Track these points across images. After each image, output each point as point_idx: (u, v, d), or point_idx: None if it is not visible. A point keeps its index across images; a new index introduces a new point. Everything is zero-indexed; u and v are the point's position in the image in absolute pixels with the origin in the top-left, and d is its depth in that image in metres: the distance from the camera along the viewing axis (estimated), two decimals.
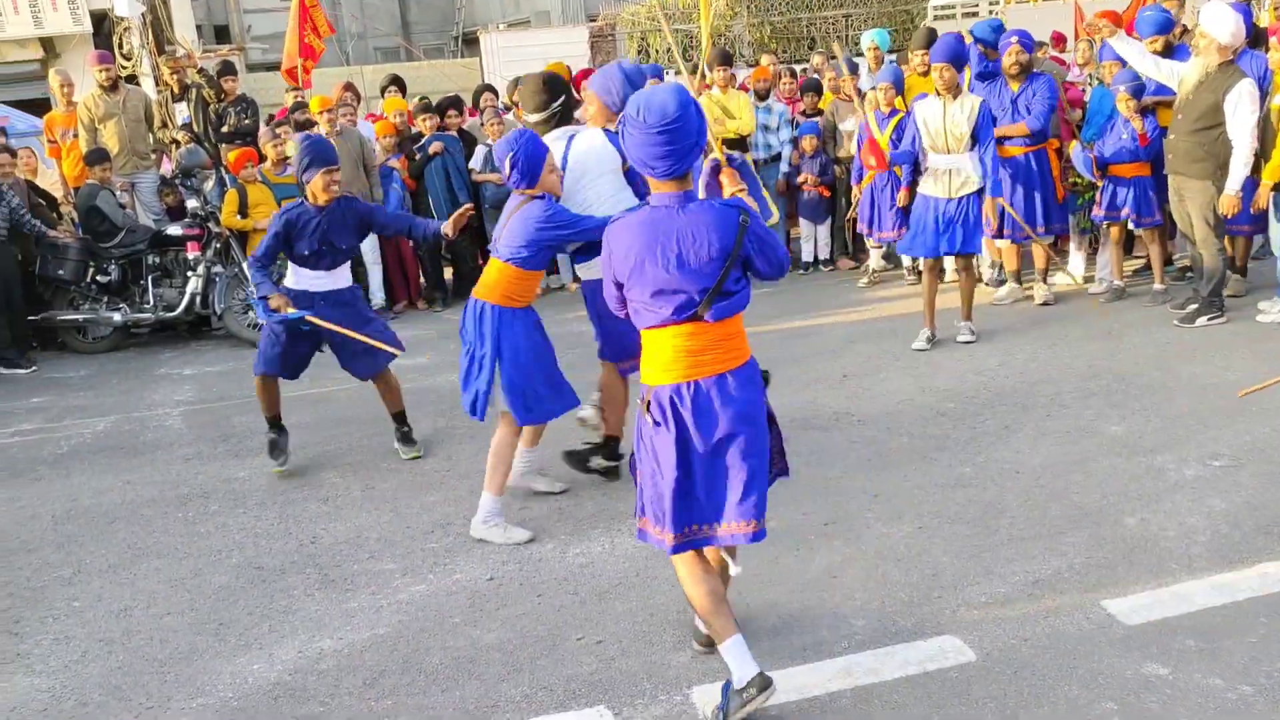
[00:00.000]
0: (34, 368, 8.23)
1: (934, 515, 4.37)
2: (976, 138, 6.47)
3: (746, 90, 9.46)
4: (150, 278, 8.60)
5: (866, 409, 5.75)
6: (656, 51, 17.14)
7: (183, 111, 9.87)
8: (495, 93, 10.20)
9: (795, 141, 9.32)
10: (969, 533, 4.19)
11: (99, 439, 6.37)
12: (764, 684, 2.98)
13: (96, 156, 8.71)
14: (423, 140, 9.18)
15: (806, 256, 9.60)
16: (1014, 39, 7.35)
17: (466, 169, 9.16)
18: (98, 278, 8.55)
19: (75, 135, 9.32)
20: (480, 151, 9.16)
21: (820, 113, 9.44)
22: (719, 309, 2.98)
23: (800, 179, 9.26)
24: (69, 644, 3.87)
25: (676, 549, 3.12)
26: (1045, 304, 7.57)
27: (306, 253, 5.15)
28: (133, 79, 9.42)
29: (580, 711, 3.22)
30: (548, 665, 3.47)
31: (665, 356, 3.04)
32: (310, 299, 5.20)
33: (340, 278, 5.31)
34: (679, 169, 2.97)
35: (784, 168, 9.36)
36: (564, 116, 4.73)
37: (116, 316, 8.53)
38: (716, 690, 3.24)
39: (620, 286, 3.09)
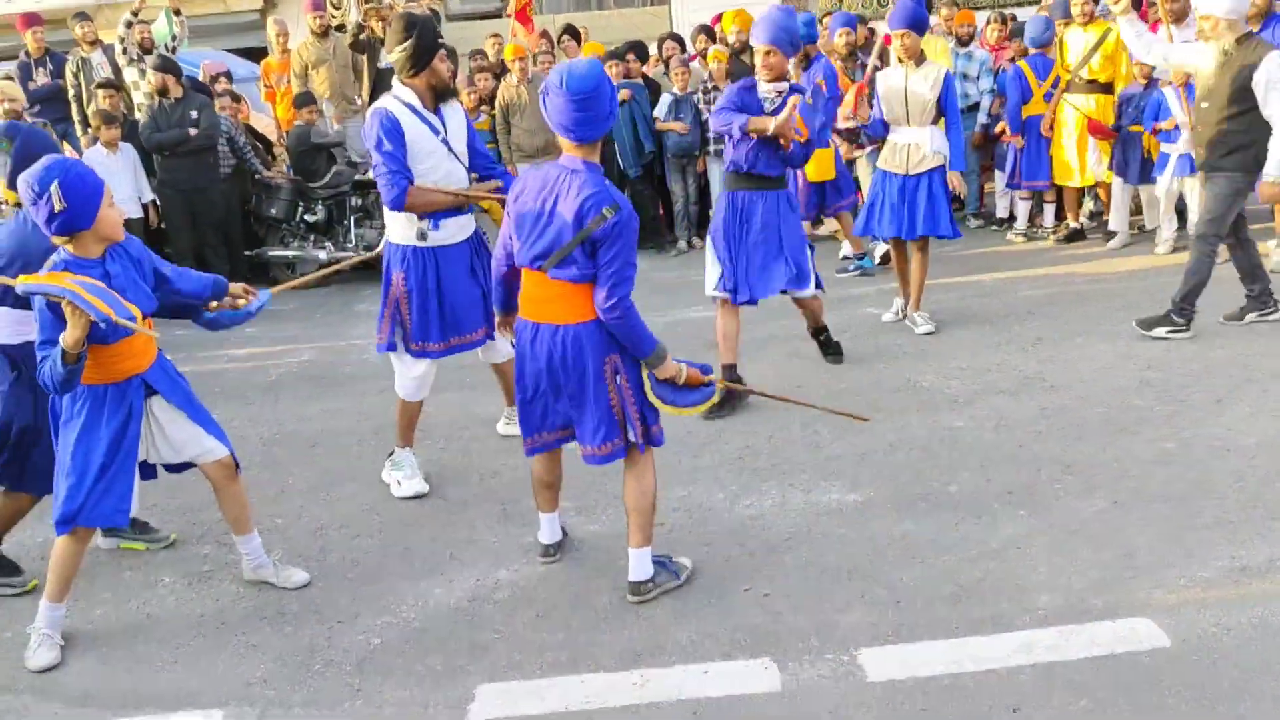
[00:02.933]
0: None
1: (1131, 491, 4.11)
2: (942, 110, 6.02)
3: (951, 36, 9.03)
4: (353, 218, 9.05)
5: (1060, 375, 5.45)
6: None
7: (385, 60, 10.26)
8: (680, 41, 10.11)
9: (995, 91, 8.85)
10: (1170, 512, 3.92)
11: (303, 368, 6.79)
12: (546, 553, 3.91)
13: (304, 99, 9.18)
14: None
15: (1001, 212, 9.15)
16: None
17: (652, 117, 9.16)
18: (306, 217, 9.08)
19: (288, 81, 9.85)
20: (665, 99, 9.12)
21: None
22: (558, 273, 3.35)
23: (998, 129, 8.80)
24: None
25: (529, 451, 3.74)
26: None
27: None
28: (341, 28, 9.83)
29: (745, 662, 3.22)
30: (714, 614, 3.48)
31: (521, 293, 3.55)
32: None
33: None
34: (591, 135, 3.30)
35: (981, 118, 8.90)
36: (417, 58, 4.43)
37: (321, 254, 9.03)
38: (887, 650, 3.19)
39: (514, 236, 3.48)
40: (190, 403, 3.71)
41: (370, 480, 4.83)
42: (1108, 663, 3.06)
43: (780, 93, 5.24)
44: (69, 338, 3.21)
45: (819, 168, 7.58)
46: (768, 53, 5.17)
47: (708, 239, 5.56)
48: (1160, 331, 5.84)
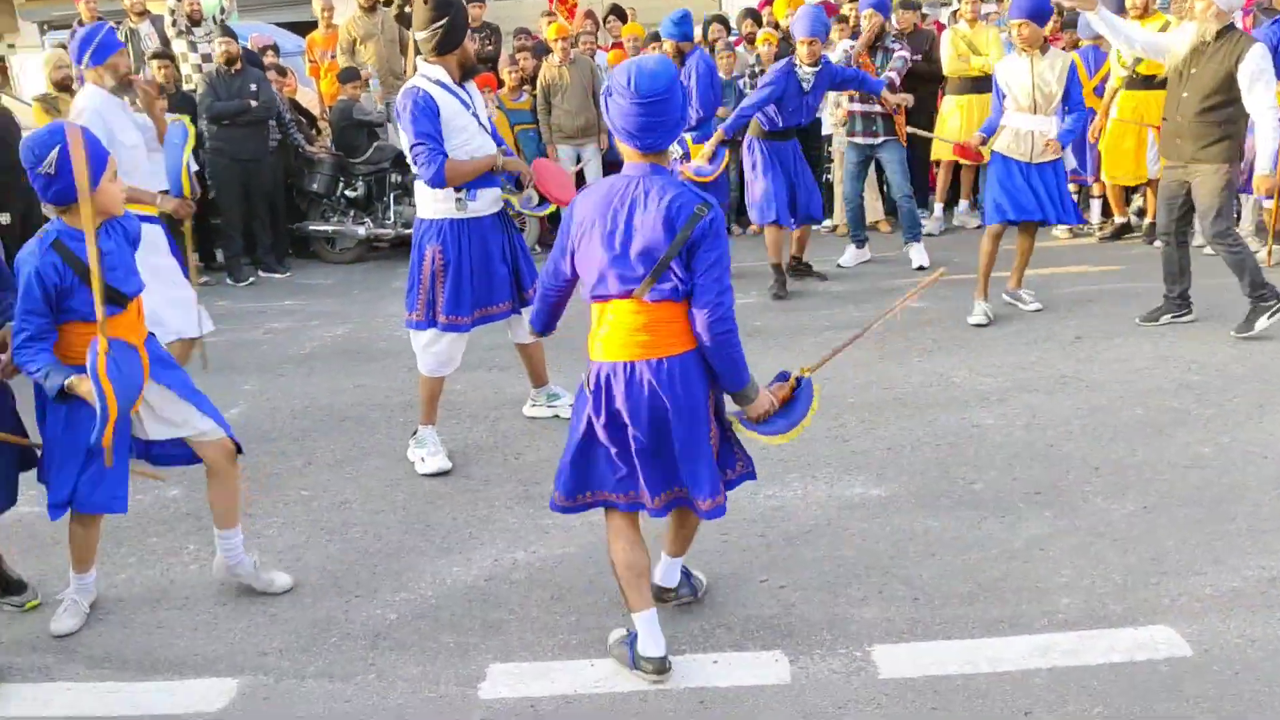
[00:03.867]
0: (289, 273, 8.94)
1: (1163, 495, 4.03)
2: (1065, 98, 6.06)
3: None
4: (392, 195, 9.10)
5: (1097, 374, 5.35)
6: None
7: None
8: (726, 24, 10.02)
9: None
10: (1201, 517, 3.84)
11: (337, 342, 6.85)
12: (660, 668, 3.08)
13: (348, 75, 9.23)
14: None
15: None
16: None
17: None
18: (346, 192, 9.14)
19: (333, 56, 9.91)
20: None
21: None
22: (657, 292, 2.90)
23: None
24: (295, 529, 4.21)
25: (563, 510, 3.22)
26: None
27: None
28: (389, 2, 9.87)
29: (757, 653, 3.21)
30: (728, 604, 3.47)
31: (601, 331, 3.03)
32: None
33: None
34: (659, 144, 2.91)
35: None
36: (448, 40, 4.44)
37: (361, 230, 9.09)
38: (900, 649, 3.16)
39: (572, 255, 3.03)
40: (184, 384, 3.54)
41: (396, 455, 4.86)
42: (1125, 670, 3.00)
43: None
44: (72, 388, 3.18)
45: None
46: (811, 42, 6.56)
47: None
48: (1261, 323, 5.68)
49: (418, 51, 4.61)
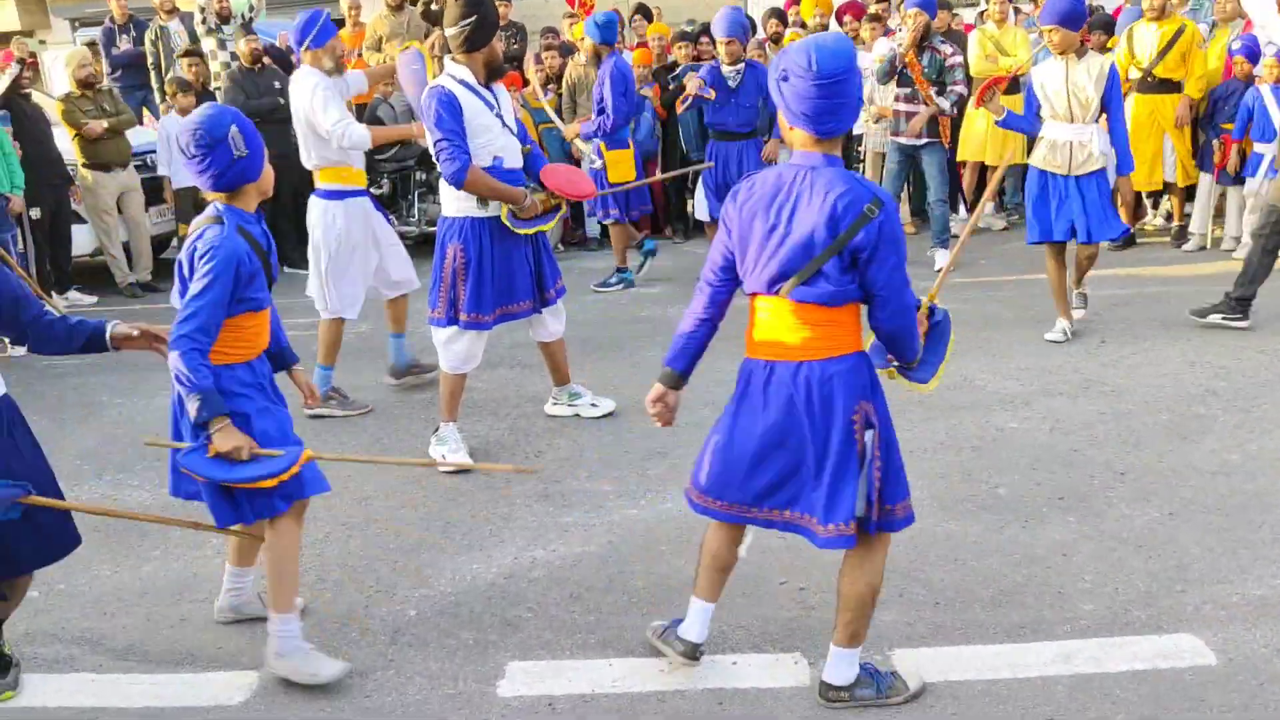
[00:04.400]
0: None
1: (1188, 502, 3.99)
2: (1104, 106, 5.64)
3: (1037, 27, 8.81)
4: (417, 193, 9.13)
5: (1122, 379, 5.30)
6: None
7: None
8: (752, 24, 9.99)
9: None
10: (1227, 525, 3.80)
11: (361, 339, 6.88)
12: (690, 653, 3.09)
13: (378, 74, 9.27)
14: (677, 70, 9.16)
15: None
16: None
17: None
18: (370, 189, 9.16)
19: (359, 55, 9.95)
20: None
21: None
22: (803, 293, 2.70)
23: None
24: (316, 524, 4.22)
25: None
26: None
27: None
28: (415, 1, 9.91)
29: (776, 655, 3.20)
30: (747, 605, 3.46)
31: (752, 327, 2.86)
32: None
33: None
34: (838, 128, 2.70)
35: None
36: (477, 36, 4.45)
37: None
38: (921, 653, 3.14)
39: (733, 250, 2.84)
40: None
41: (418, 451, 4.88)
42: (1149, 678, 2.97)
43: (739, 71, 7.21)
44: (217, 442, 2.96)
45: (619, 169, 7.46)
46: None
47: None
48: (1214, 319, 5.72)
49: (446, 50, 4.63)
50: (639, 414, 5.18)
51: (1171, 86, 7.68)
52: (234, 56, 9.28)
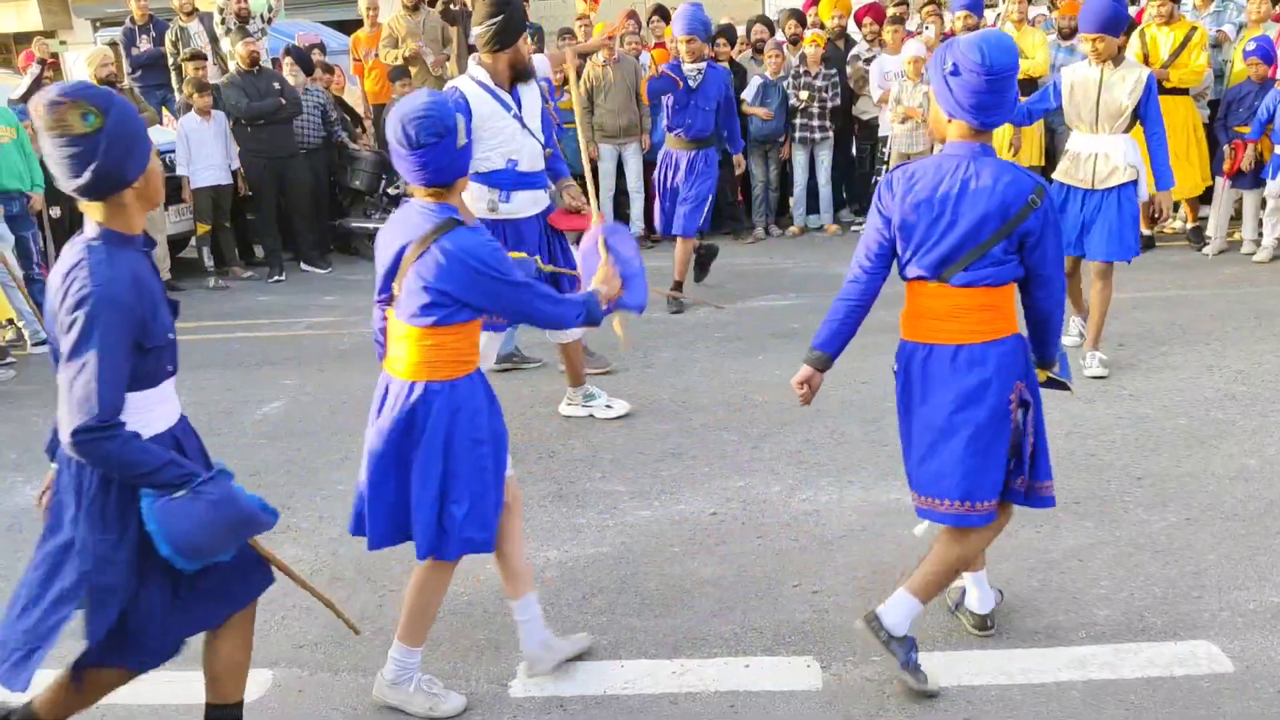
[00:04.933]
0: (330, 269, 9.04)
1: (1205, 508, 3.96)
2: (1140, 118, 5.25)
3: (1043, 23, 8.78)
4: None
5: (1141, 383, 5.26)
6: None
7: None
8: (770, 25, 9.99)
9: None
10: (1245, 531, 3.77)
11: None
12: (982, 625, 3.18)
13: (398, 73, 9.31)
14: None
15: None
16: None
17: (737, 100, 9.06)
18: (389, 190, 9.22)
19: (376, 55, 10.00)
20: (754, 83, 9.03)
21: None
22: (968, 276, 2.83)
23: None
24: (331, 523, 4.25)
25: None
26: None
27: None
28: (433, 2, 9.94)
29: (789, 659, 3.19)
30: (760, 607, 3.45)
31: (912, 312, 2.97)
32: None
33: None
34: (997, 121, 2.84)
35: None
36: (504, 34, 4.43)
37: None
38: (935, 657, 3.12)
39: (889, 237, 2.93)
40: None
41: None
42: (1164, 684, 2.95)
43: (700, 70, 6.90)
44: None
45: None
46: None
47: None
48: None
49: (472, 49, 4.65)
50: (653, 415, 5.20)
51: (1173, 91, 7.61)
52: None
